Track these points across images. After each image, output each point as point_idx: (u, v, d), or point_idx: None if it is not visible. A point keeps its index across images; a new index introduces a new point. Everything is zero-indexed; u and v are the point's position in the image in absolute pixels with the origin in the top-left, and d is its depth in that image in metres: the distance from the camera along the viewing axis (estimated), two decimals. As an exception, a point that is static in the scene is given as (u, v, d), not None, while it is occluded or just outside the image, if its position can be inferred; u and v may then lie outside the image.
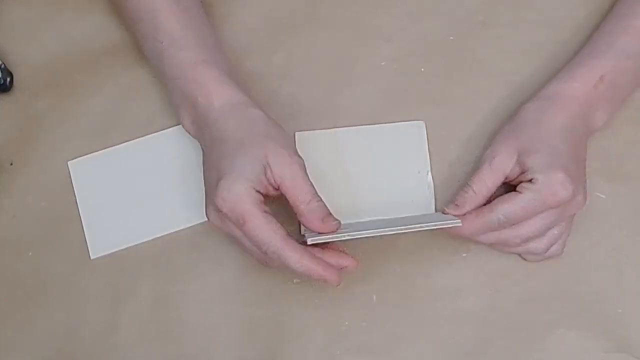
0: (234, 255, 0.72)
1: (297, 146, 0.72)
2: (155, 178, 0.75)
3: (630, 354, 0.67)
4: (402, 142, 0.74)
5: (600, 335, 0.68)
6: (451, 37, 0.77)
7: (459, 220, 0.65)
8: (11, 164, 0.76)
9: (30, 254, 0.74)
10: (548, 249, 0.68)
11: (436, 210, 0.72)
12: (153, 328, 0.71)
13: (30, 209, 0.75)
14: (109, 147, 0.76)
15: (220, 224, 0.66)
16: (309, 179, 0.66)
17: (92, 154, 0.76)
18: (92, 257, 0.73)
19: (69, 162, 0.75)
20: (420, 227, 0.64)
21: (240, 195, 0.63)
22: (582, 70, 0.69)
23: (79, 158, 0.76)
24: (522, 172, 0.65)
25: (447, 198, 0.72)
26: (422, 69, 0.76)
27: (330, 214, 0.66)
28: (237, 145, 0.66)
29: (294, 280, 0.71)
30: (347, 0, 0.78)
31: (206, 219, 0.68)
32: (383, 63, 0.76)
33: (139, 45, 0.75)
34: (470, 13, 0.77)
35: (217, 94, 0.69)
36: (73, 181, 0.75)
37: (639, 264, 0.70)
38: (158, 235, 0.73)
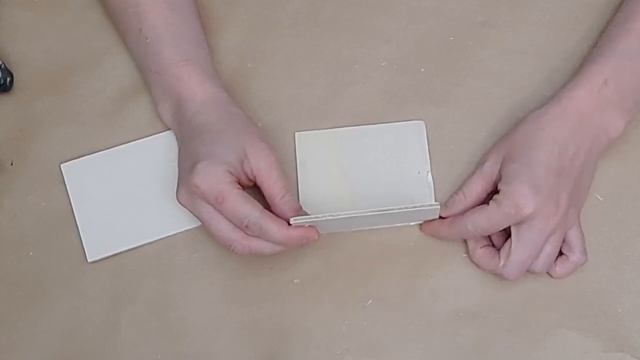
0: (234, 255, 0.72)
1: (296, 146, 0.73)
2: (151, 181, 0.74)
3: (630, 354, 0.67)
4: (402, 142, 0.74)
5: (600, 335, 0.68)
6: (451, 38, 0.77)
7: (438, 204, 0.66)
8: (11, 164, 0.76)
9: (30, 254, 0.74)
10: (546, 266, 0.67)
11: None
12: (153, 328, 0.71)
13: (30, 209, 0.75)
14: (109, 147, 0.76)
15: (191, 205, 0.67)
16: (283, 173, 0.68)
17: (85, 157, 0.75)
18: (89, 260, 0.73)
19: (61, 165, 0.75)
20: (399, 208, 0.65)
21: (218, 176, 0.65)
22: (585, 76, 0.68)
23: (72, 161, 0.75)
24: (500, 179, 0.66)
25: (447, 198, 0.72)
26: (422, 69, 0.76)
27: (301, 208, 0.68)
28: (216, 135, 0.68)
29: (294, 280, 0.71)
30: (347, 0, 0.78)
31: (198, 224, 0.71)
32: (383, 63, 0.76)
33: (122, 37, 0.76)
34: (470, 13, 0.77)
35: (199, 91, 0.71)
36: (66, 184, 0.75)
37: (639, 264, 0.70)
38: (155, 239, 0.73)
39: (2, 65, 0.77)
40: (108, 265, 0.73)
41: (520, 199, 0.64)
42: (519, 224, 0.65)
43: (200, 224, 0.70)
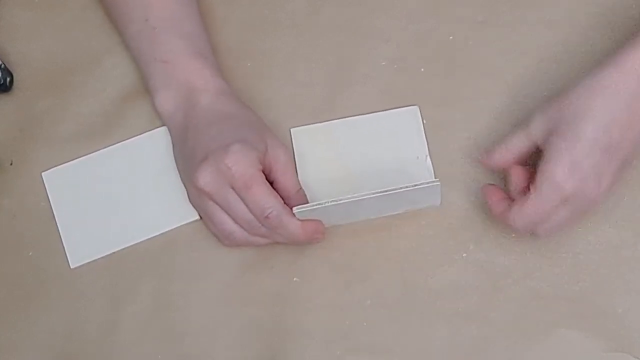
0: (234, 255, 0.72)
1: (293, 142, 0.74)
2: (130, 184, 0.75)
3: (630, 354, 0.67)
4: (398, 129, 0.74)
5: (600, 335, 0.68)
6: (451, 37, 0.77)
7: (438, 180, 0.66)
8: (11, 164, 0.76)
9: (30, 254, 0.74)
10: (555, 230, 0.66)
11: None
12: (153, 328, 0.71)
13: (30, 209, 0.75)
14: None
15: (215, 187, 0.66)
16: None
17: (66, 164, 0.76)
18: (72, 267, 0.73)
19: (42, 174, 0.75)
20: (400, 188, 0.65)
21: (251, 160, 0.66)
22: None
23: (53, 168, 0.75)
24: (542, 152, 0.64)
25: (447, 199, 0.72)
26: (422, 69, 0.76)
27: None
28: (240, 122, 0.70)
29: (294, 279, 0.71)
30: (347, 0, 0.78)
31: (181, 223, 0.73)
32: (383, 63, 0.76)
33: (121, 28, 0.75)
34: (470, 13, 0.77)
35: (212, 82, 0.71)
36: (48, 192, 0.75)
37: (639, 264, 0.70)
38: (137, 241, 0.73)
39: (2, 65, 0.77)
40: (108, 265, 0.73)
41: (559, 180, 0.61)
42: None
43: (181, 223, 0.72)
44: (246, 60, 0.78)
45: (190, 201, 0.71)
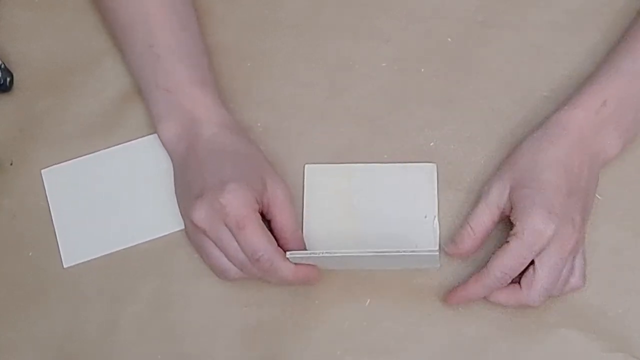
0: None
1: (306, 177, 0.73)
2: (129, 186, 0.74)
3: (630, 354, 0.67)
4: (412, 184, 0.72)
5: (600, 335, 0.68)
6: (450, 38, 0.77)
7: (437, 250, 0.64)
8: (11, 164, 0.76)
9: (30, 254, 0.74)
10: (562, 287, 0.66)
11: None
12: (153, 328, 0.71)
13: (30, 209, 0.75)
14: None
15: (209, 223, 0.66)
16: (294, 209, 0.69)
17: (66, 162, 0.75)
18: (65, 266, 0.73)
19: (42, 171, 0.75)
20: (397, 252, 0.64)
21: (247, 200, 0.65)
22: (584, 97, 0.67)
23: (53, 166, 0.75)
24: (512, 208, 0.65)
25: (446, 198, 0.72)
26: (422, 69, 0.76)
27: (305, 246, 0.70)
28: (240, 158, 0.69)
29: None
30: (347, 0, 0.78)
31: (177, 229, 0.72)
32: (383, 64, 0.76)
33: (125, 52, 0.75)
34: (470, 13, 0.77)
35: (215, 114, 0.71)
36: (46, 189, 0.75)
37: (639, 264, 0.70)
38: (133, 244, 0.73)
39: (2, 65, 0.77)
40: (108, 265, 0.73)
41: (540, 224, 0.62)
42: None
43: (178, 228, 0.72)
44: (246, 60, 0.78)
45: (186, 233, 0.71)
